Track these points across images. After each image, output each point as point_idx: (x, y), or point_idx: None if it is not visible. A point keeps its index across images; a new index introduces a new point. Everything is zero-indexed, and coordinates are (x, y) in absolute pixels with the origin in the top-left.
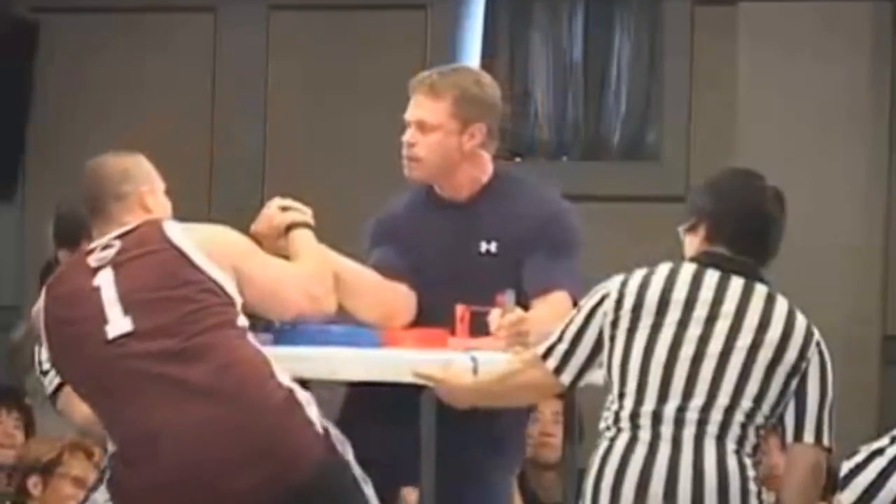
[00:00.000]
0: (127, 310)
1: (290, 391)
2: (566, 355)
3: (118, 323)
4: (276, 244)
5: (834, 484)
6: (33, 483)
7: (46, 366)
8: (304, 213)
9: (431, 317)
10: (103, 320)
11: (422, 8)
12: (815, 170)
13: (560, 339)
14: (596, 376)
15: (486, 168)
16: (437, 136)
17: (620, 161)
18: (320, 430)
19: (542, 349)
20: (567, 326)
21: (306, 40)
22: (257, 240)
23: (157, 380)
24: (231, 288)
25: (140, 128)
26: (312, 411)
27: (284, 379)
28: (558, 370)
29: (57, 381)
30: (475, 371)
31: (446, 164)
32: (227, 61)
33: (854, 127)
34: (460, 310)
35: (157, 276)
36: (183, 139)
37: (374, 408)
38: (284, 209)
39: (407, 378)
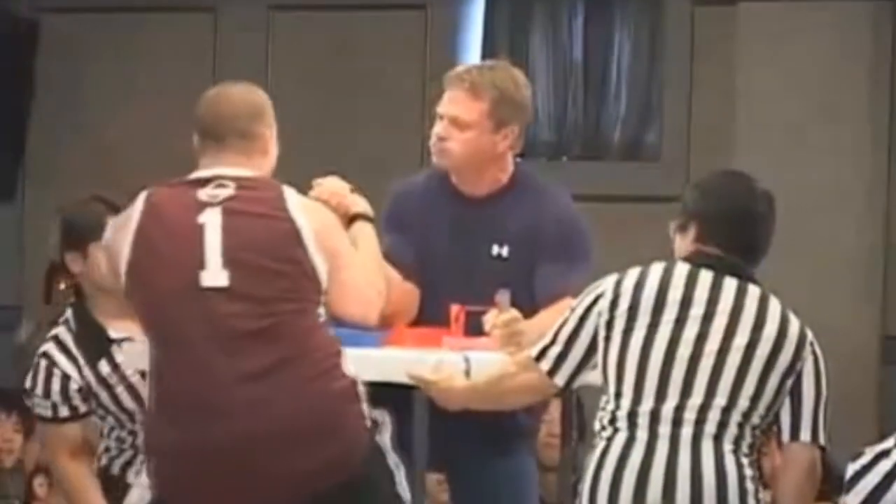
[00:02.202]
0: (227, 263)
1: (353, 383)
2: (560, 357)
3: (215, 274)
4: None
5: (839, 485)
6: (38, 483)
7: (39, 390)
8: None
9: (436, 313)
10: (200, 264)
11: (422, 8)
12: (814, 170)
13: (553, 340)
14: (594, 376)
15: (508, 168)
16: (471, 134)
17: (620, 161)
18: (369, 424)
19: (535, 351)
20: (560, 328)
21: (306, 40)
22: None
23: (232, 343)
24: (324, 273)
25: (140, 128)
26: (365, 405)
27: (350, 369)
28: (552, 372)
29: (38, 412)
30: (468, 372)
31: (476, 162)
32: (227, 61)
33: (854, 127)
34: (455, 309)
35: (266, 243)
36: (183, 139)
37: (384, 400)
38: (353, 192)
39: (402, 378)
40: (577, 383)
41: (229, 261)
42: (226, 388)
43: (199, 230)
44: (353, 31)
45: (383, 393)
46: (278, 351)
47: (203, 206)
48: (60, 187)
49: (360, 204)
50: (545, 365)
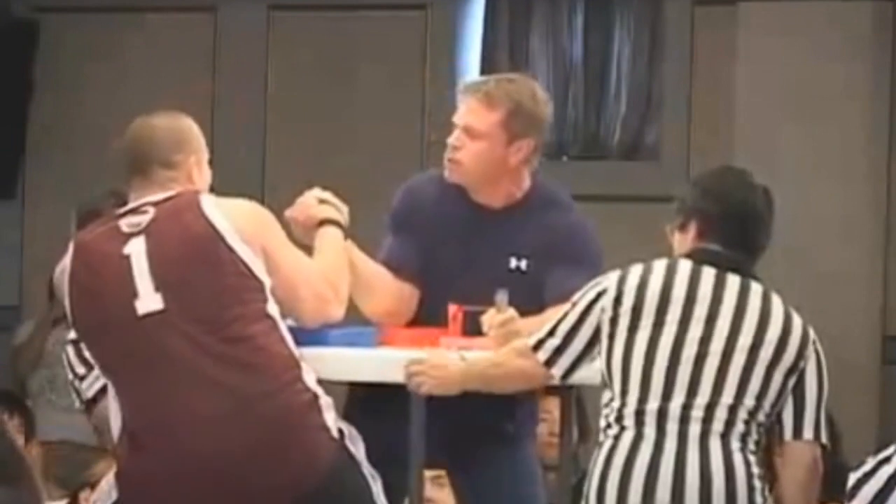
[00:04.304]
0: (158, 286)
1: (315, 396)
2: (558, 350)
3: (148, 299)
4: (307, 233)
5: (843, 487)
6: (84, 497)
7: (81, 370)
8: (341, 211)
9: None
10: (133, 294)
11: (422, 8)
12: (814, 170)
13: (552, 333)
14: (592, 373)
15: (522, 184)
16: (483, 144)
17: (620, 161)
18: (336, 435)
19: (532, 341)
20: (560, 321)
21: (306, 40)
22: (288, 224)
23: (183, 365)
24: (260, 270)
25: None
26: (330, 416)
27: (311, 381)
28: (549, 363)
29: (96, 387)
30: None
31: (487, 174)
32: (227, 61)
33: (854, 126)
34: (453, 309)
35: (191, 254)
36: None
37: (382, 400)
38: (322, 202)
39: (400, 378)
40: (574, 376)
41: (160, 283)
42: (182, 411)
43: (126, 261)
44: (353, 31)
45: (380, 394)
46: (232, 366)
47: (127, 237)
48: (60, 187)
49: (327, 211)
50: (542, 355)
